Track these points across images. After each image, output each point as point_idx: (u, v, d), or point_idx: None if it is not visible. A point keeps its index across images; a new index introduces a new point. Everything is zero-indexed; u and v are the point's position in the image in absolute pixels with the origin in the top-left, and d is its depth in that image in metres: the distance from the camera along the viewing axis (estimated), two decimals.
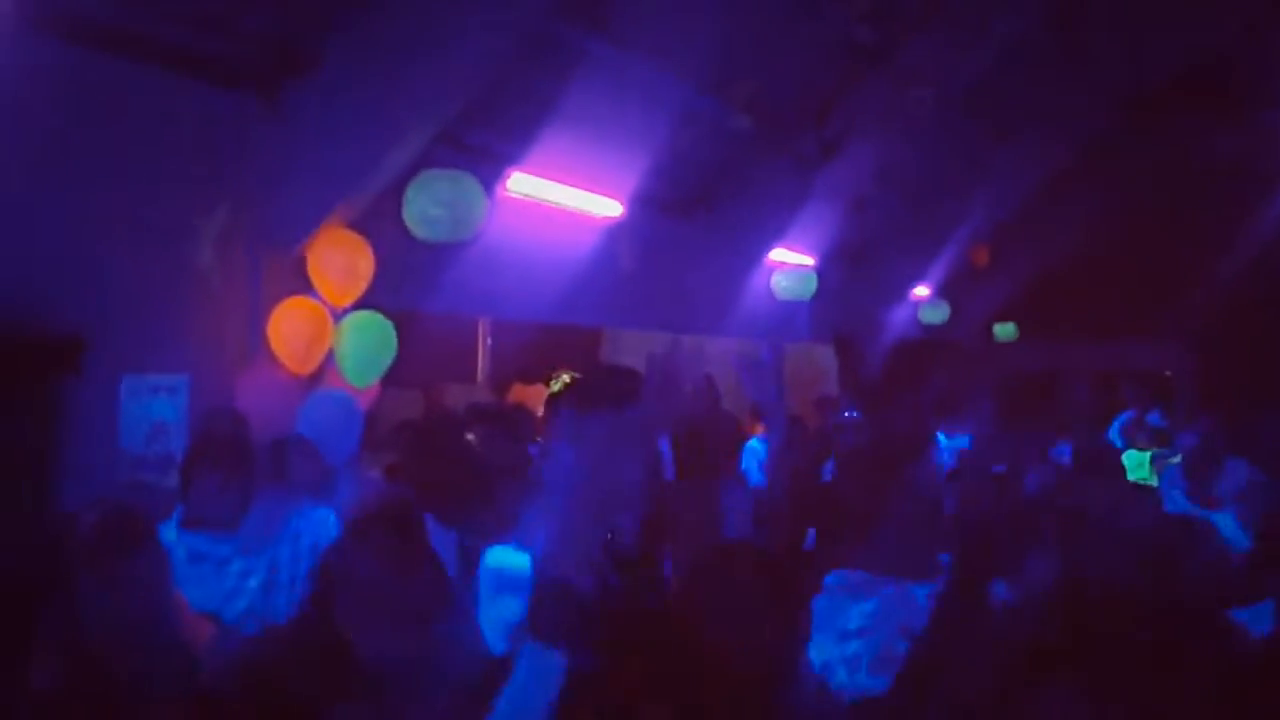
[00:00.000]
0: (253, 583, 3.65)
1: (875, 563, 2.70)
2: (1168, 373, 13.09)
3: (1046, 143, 11.20)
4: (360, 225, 5.30)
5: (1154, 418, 7.96)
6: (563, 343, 9.28)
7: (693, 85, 7.26)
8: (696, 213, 8.95)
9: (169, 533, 3.33)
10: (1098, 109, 10.80)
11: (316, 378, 5.15)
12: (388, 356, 5.25)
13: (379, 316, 5.24)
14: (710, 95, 7.66)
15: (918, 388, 9.66)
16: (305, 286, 5.14)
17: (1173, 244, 12.48)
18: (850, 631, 2.57)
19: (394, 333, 5.25)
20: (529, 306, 7.37)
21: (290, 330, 4.95)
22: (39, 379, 4.12)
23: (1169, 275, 12.57)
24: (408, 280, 5.70)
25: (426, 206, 5.09)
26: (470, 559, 3.11)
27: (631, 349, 9.39)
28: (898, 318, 12.50)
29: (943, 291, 12.71)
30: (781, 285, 9.62)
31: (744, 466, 6.83)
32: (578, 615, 1.70)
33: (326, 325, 5.08)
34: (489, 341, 9.31)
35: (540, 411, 8.24)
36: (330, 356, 5.14)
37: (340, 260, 5.15)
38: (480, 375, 9.24)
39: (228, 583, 3.63)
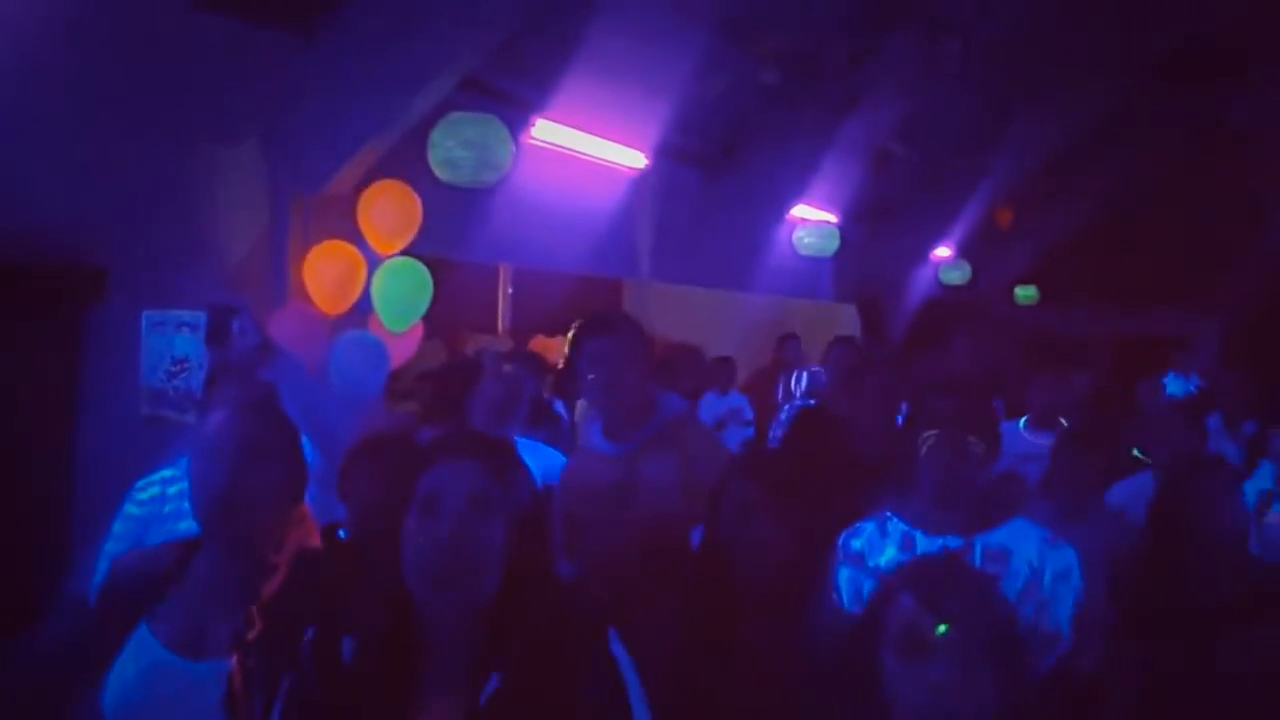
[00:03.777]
0: None
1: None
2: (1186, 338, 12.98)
3: (1074, 103, 11.04)
4: (385, 169, 5.26)
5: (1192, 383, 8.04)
6: (584, 294, 9.22)
7: (719, 35, 7.17)
8: (721, 165, 8.87)
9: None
10: (1128, 70, 10.63)
11: (351, 320, 5.19)
12: (423, 303, 5.28)
13: (416, 263, 5.25)
14: (737, 45, 7.57)
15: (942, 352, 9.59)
16: (333, 226, 5.13)
17: (1200, 210, 12.35)
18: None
19: (429, 279, 5.26)
20: (552, 256, 7.33)
21: (324, 272, 4.99)
22: (63, 308, 4.12)
23: (1195, 242, 12.46)
24: (431, 227, 5.66)
25: (452, 149, 5.03)
26: None
27: (653, 302, 9.34)
28: (919, 278, 12.42)
29: (964, 252, 12.60)
30: (804, 241, 9.53)
31: None
32: None
33: (360, 269, 5.11)
34: (510, 291, 9.26)
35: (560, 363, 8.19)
36: (367, 301, 5.20)
37: (390, 210, 5.19)
38: (501, 326, 9.20)
39: None
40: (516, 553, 1.73)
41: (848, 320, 12.00)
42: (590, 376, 3.13)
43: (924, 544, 2.66)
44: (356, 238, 5.14)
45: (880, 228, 11.34)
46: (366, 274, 5.14)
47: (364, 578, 2.33)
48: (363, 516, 2.85)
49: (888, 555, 2.67)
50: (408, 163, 5.28)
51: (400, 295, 5.17)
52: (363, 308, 5.16)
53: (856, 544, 2.75)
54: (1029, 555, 2.62)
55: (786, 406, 6.45)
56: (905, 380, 5.48)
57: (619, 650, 1.77)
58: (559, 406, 5.97)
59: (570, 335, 3.27)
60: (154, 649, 2.12)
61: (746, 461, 2.93)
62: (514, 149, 5.39)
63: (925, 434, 2.66)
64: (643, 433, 3.12)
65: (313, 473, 3.36)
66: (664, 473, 3.01)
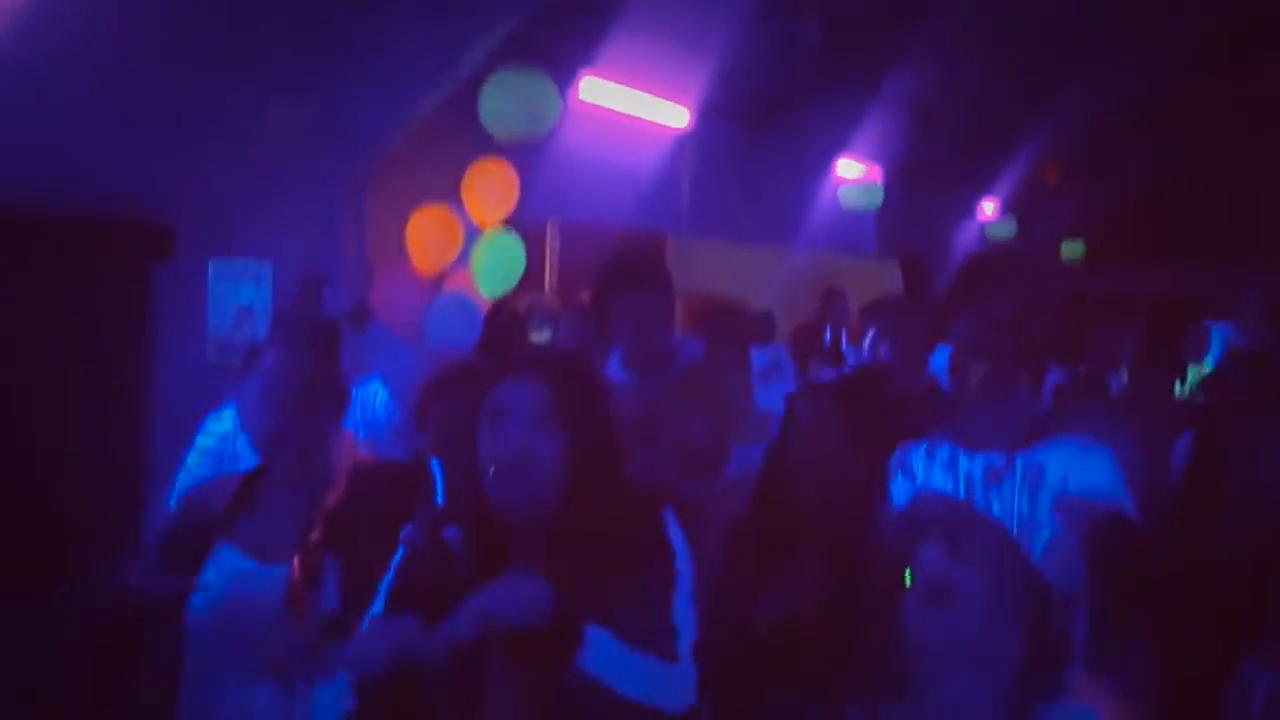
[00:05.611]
0: None
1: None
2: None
3: (1121, 69, 10.89)
4: (433, 128, 5.36)
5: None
6: (629, 250, 9.28)
7: None
8: (764, 121, 8.90)
9: None
10: (1175, 41, 10.47)
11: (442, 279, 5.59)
12: (518, 273, 5.78)
13: (514, 237, 5.67)
14: (780, 1, 7.57)
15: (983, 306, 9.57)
16: (391, 183, 5.29)
17: (1252, 174, 12.19)
18: None
19: (524, 252, 5.76)
20: (598, 212, 7.43)
21: (427, 235, 5.41)
22: (131, 263, 4.27)
23: (1245, 205, 12.31)
24: None
25: (501, 104, 5.14)
26: None
27: (697, 256, 9.43)
28: (964, 233, 12.35)
29: (1010, 208, 12.51)
30: (848, 196, 9.55)
31: None
32: None
33: (458, 233, 5.49)
34: (557, 247, 9.36)
35: None
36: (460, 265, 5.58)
37: (492, 186, 5.62)
38: (549, 283, 9.30)
39: None
40: (583, 456, 1.86)
41: (892, 277, 11.97)
42: (624, 329, 3.19)
43: (965, 462, 2.72)
44: (416, 196, 5.33)
45: (925, 183, 11.29)
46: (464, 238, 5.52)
47: (450, 484, 2.64)
48: (444, 437, 2.97)
49: (931, 473, 2.74)
50: (456, 121, 5.38)
51: (499, 267, 5.63)
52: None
53: (910, 459, 2.82)
54: (1063, 466, 2.65)
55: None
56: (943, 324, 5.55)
57: (675, 531, 1.90)
58: None
59: (599, 285, 3.27)
60: (234, 557, 2.47)
61: (817, 386, 2.96)
62: (562, 104, 5.49)
63: (974, 367, 2.74)
64: (668, 373, 3.19)
65: (392, 425, 3.60)
66: (688, 415, 3.08)
